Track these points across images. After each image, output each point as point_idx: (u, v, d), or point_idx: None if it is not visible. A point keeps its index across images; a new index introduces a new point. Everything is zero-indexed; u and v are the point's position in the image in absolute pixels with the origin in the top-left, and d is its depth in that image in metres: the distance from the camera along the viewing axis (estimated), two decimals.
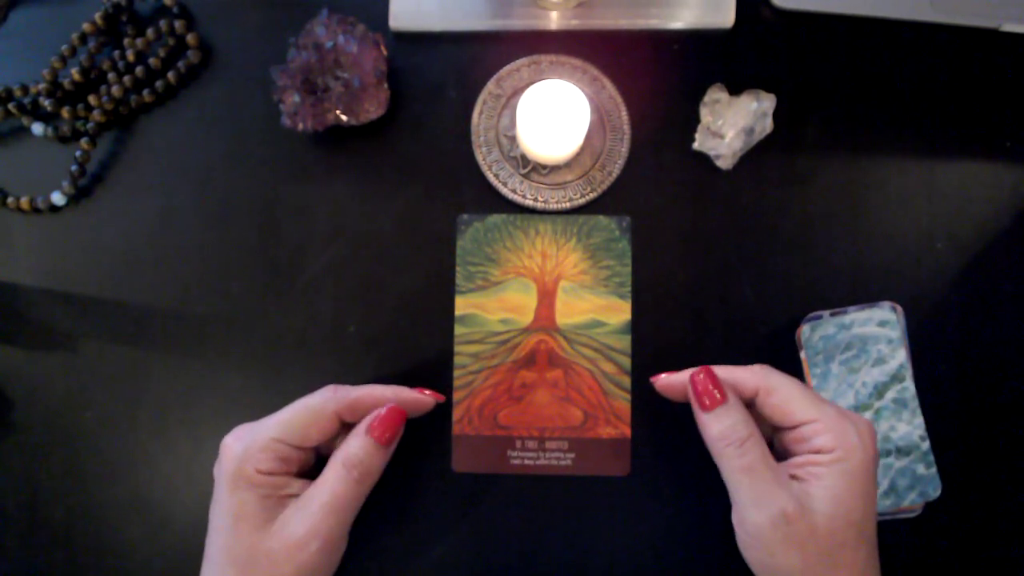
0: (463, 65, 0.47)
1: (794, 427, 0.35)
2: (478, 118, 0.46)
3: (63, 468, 0.45)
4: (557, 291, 0.45)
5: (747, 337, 0.45)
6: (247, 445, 0.36)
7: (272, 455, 0.36)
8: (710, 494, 0.43)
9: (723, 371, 0.37)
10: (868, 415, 0.42)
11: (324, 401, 0.37)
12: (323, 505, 0.35)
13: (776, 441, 0.38)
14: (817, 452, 0.34)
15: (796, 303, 0.45)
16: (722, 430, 0.35)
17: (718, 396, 0.36)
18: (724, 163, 0.45)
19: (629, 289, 0.45)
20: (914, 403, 0.42)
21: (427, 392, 0.40)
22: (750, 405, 0.37)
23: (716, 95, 0.46)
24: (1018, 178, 0.46)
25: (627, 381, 0.45)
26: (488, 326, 0.45)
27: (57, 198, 0.46)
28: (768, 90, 0.45)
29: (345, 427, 0.39)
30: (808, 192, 0.46)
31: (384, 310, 0.45)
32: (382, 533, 0.44)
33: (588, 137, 0.45)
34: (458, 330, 0.45)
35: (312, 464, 0.39)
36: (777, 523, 0.33)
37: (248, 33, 0.48)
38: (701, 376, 0.36)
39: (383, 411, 0.37)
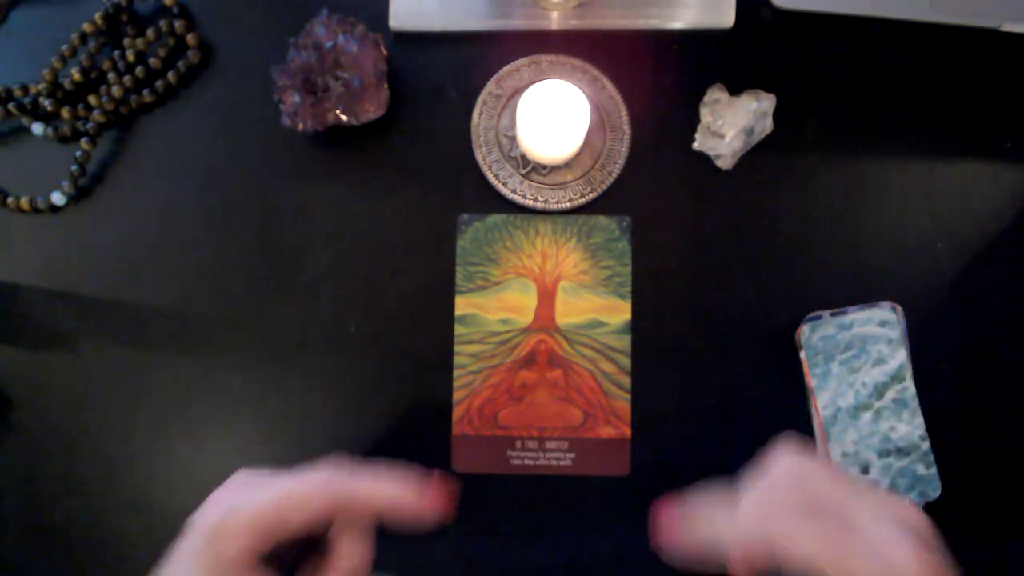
0: (463, 65, 0.47)
1: None
2: (478, 118, 0.46)
3: (63, 468, 0.45)
4: (557, 291, 0.45)
5: (747, 337, 0.45)
6: (222, 519, 0.31)
7: (243, 543, 0.31)
8: None
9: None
10: (868, 415, 0.42)
11: (313, 494, 0.32)
12: None
13: None
14: None
15: (796, 303, 0.45)
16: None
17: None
18: (724, 163, 0.45)
19: (629, 289, 0.45)
20: (914, 403, 0.42)
21: (437, 484, 0.34)
22: None
23: (716, 95, 0.46)
24: (1018, 178, 0.46)
25: (627, 381, 0.45)
26: (488, 326, 0.45)
27: (57, 198, 0.46)
28: (768, 90, 0.45)
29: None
30: (808, 192, 0.46)
31: (384, 310, 0.45)
32: (381, 533, 0.44)
33: (588, 137, 0.45)
34: (458, 330, 0.45)
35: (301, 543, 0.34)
36: None
37: (248, 33, 0.48)
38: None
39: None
